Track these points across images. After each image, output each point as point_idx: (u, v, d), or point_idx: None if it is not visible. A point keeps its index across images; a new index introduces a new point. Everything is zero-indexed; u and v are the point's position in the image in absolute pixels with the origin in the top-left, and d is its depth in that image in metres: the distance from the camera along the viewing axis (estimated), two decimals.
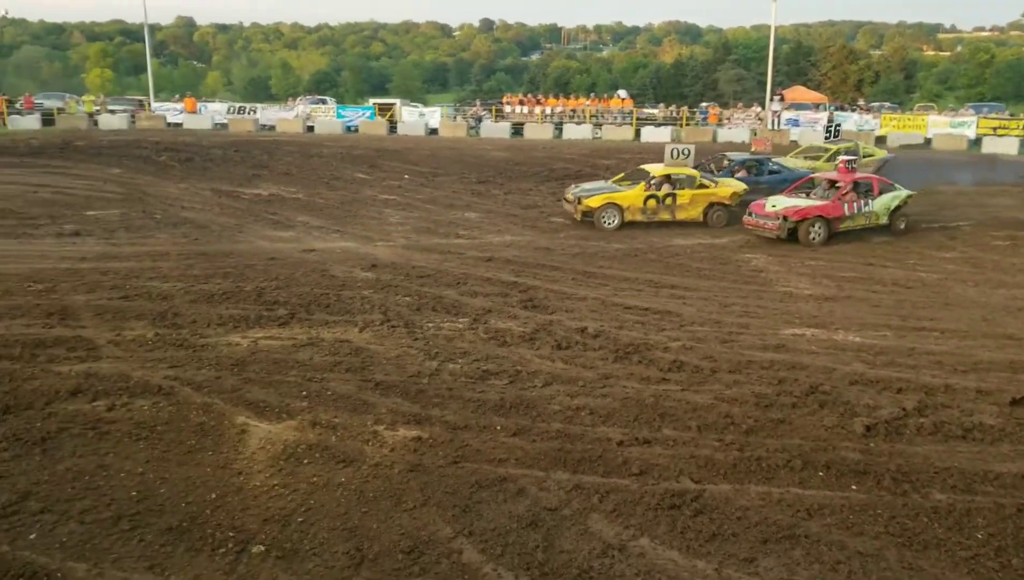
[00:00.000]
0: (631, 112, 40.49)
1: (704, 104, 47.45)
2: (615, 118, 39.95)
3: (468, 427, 7.84)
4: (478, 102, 47.20)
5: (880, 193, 16.87)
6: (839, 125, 22.75)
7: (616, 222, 17.55)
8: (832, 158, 22.27)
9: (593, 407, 8.33)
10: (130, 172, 24.62)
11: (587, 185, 19.38)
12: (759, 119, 38.89)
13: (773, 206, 16.43)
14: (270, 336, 10.37)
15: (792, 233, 16.03)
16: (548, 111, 40.64)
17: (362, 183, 23.99)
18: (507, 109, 41.97)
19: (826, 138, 23.00)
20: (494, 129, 38.50)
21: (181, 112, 40.40)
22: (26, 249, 14.94)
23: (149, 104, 43.33)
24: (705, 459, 7.26)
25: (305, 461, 7.21)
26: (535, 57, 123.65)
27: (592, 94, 46.89)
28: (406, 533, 6.14)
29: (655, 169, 18.67)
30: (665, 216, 17.89)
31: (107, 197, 20.56)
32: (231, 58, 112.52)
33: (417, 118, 40.24)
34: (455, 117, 42.08)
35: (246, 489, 6.78)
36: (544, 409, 8.27)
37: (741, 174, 20.19)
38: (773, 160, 21.45)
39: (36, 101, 41.72)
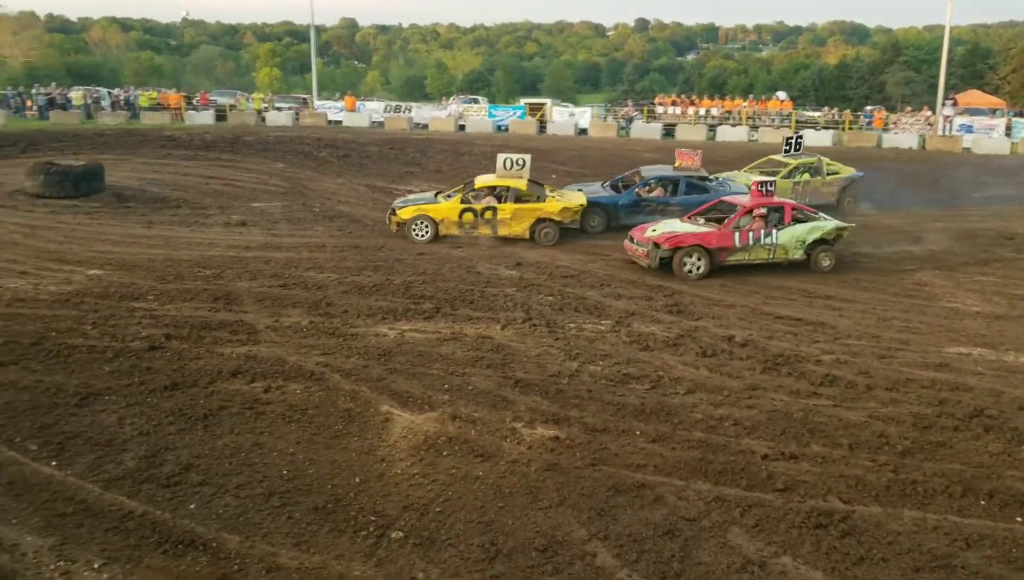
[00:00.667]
0: (790, 115, 39.07)
1: (869, 107, 45.14)
2: (773, 120, 38.67)
3: (607, 430, 7.77)
4: (630, 102, 46.84)
5: (794, 222, 14.13)
6: (800, 137, 19.21)
7: (428, 235, 16.02)
8: (791, 174, 19.50)
9: (738, 418, 8.08)
10: (293, 167, 25.91)
11: (412, 196, 18.06)
12: (929, 124, 36.64)
13: (653, 231, 14.15)
14: (415, 329, 10.64)
15: (665, 263, 13.77)
16: (702, 112, 39.81)
17: None
18: (659, 110, 41.42)
19: (785, 152, 19.41)
20: (645, 130, 38.08)
21: (341, 110, 42.14)
22: (197, 237, 15.99)
23: (312, 102, 45.47)
24: (856, 479, 6.90)
25: (444, 453, 7.34)
26: (691, 57, 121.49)
27: (749, 96, 45.49)
28: (541, 531, 6.14)
29: (482, 180, 16.96)
30: (486, 231, 16.16)
31: (271, 190, 21.73)
32: (389, 58, 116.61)
33: (567, 118, 40.33)
34: (605, 117, 41.90)
35: (388, 476, 6.98)
36: (686, 417, 8.09)
37: (656, 193, 17.56)
38: (710, 177, 18.46)
39: (211, 98, 44.58)
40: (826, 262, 14.23)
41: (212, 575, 5.62)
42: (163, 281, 12.55)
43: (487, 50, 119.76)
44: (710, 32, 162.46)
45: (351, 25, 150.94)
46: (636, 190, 17.64)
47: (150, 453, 7.28)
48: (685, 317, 11.40)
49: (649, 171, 18.74)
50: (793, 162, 20.02)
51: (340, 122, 40.80)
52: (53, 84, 44.62)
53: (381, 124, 40.48)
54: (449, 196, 16.66)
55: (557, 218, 16.33)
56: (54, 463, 7.08)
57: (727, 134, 36.87)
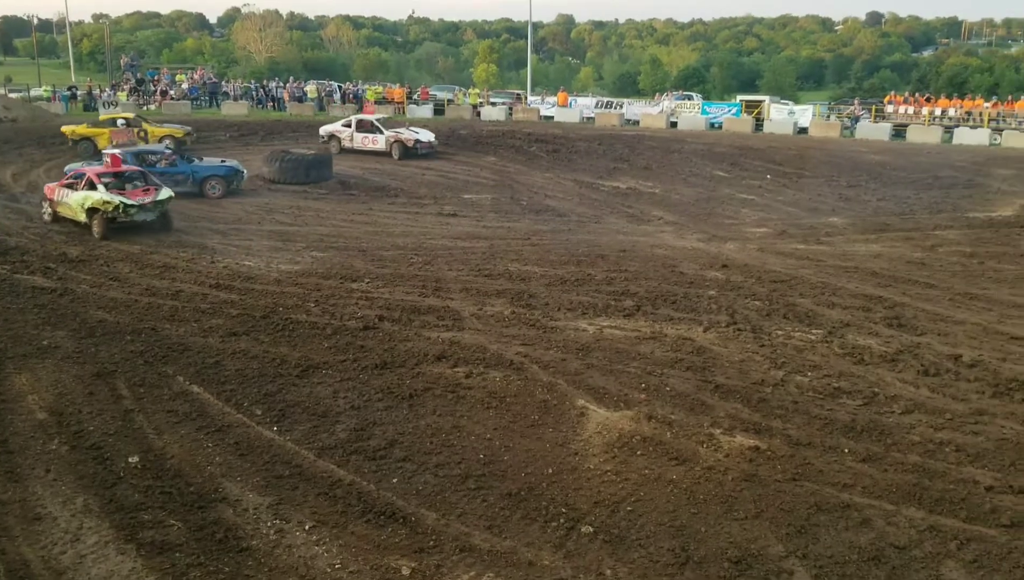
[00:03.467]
0: None
1: None
2: (1020, 123, 35.06)
3: (812, 445, 7.37)
4: (856, 101, 44.15)
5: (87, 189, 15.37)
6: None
7: None
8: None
9: (960, 444, 7.41)
10: (503, 160, 26.57)
11: None
12: None
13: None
14: (615, 326, 10.60)
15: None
16: (937, 112, 36.80)
17: (720, 181, 23.59)
18: (889, 109, 38.74)
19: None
20: (871, 130, 35.72)
21: (553, 105, 42.72)
22: (412, 225, 16.78)
23: (526, 97, 46.40)
24: None
25: (638, 452, 7.26)
26: (927, 53, 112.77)
27: (994, 96, 41.49)
28: (735, 542, 5.93)
29: None
30: None
31: (481, 182, 22.41)
32: (604, 54, 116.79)
33: (786, 116, 38.58)
34: (828, 116, 39.74)
35: (580, 470, 7.00)
36: (901, 438, 7.52)
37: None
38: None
39: (430, 93, 46.60)
40: (97, 230, 15.14)
41: (410, 548, 5.89)
42: (379, 265, 13.29)
43: (704, 45, 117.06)
44: (951, 27, 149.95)
45: (568, 21, 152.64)
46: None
47: (359, 426, 7.73)
48: (906, 331, 10.59)
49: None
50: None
51: (551, 117, 41.34)
52: (291, 78, 48.39)
53: (592, 120, 40.63)
54: None
55: None
56: (275, 428, 7.70)
57: (965, 137, 33.82)
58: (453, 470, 6.96)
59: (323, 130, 27.34)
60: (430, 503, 6.46)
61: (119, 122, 25.81)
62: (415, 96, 44.77)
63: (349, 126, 26.79)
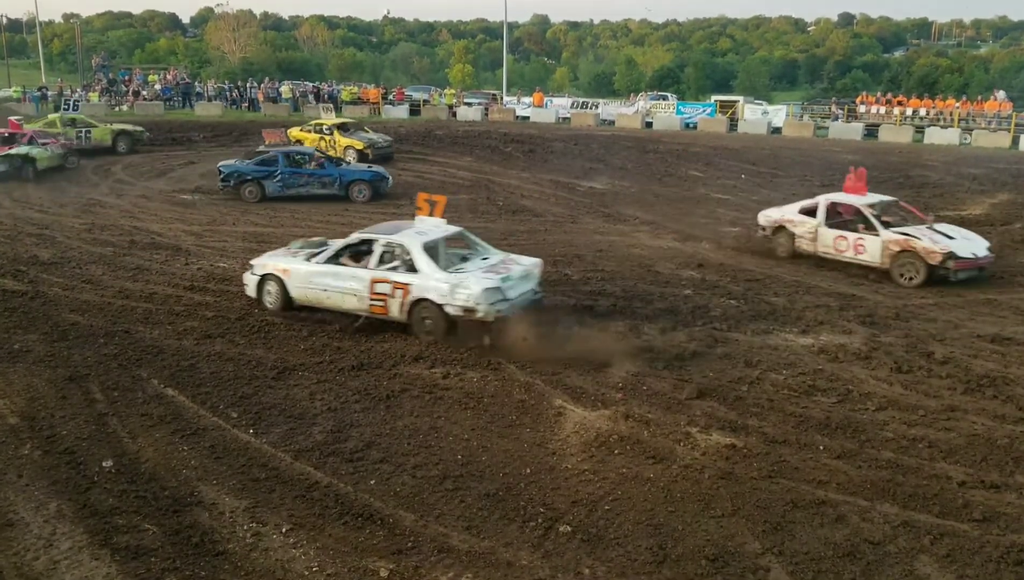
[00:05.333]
0: (1010, 116, 35.75)
1: None
2: (989, 123, 35.54)
3: (787, 442, 7.44)
4: (833, 101, 44.53)
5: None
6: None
7: None
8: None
9: (933, 440, 7.51)
10: (479, 161, 26.56)
11: None
12: None
13: None
14: (592, 325, 10.61)
15: None
16: (909, 113, 37.24)
17: (696, 181, 23.73)
18: (861, 109, 39.15)
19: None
20: (844, 130, 36.09)
21: (529, 106, 42.77)
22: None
23: (501, 98, 46.42)
24: None
25: (616, 451, 7.29)
26: (898, 54, 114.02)
27: (964, 96, 41.99)
28: (711, 540, 5.97)
29: None
30: None
31: (458, 182, 22.38)
32: (579, 54, 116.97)
33: (760, 116, 38.91)
34: (801, 116, 40.11)
35: (558, 469, 7.02)
36: (875, 435, 7.61)
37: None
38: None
39: (406, 93, 46.52)
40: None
41: (388, 549, 5.87)
42: None
43: (678, 46, 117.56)
44: (922, 27, 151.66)
45: (543, 22, 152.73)
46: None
47: (336, 428, 7.70)
48: (880, 329, 10.71)
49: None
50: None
51: (527, 117, 41.38)
52: (266, 78, 48.08)
53: (567, 120, 40.72)
54: None
55: None
56: (251, 431, 7.65)
57: (936, 136, 34.27)
58: (431, 471, 6.95)
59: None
60: (408, 504, 6.45)
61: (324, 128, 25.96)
62: (391, 96, 44.64)
63: None
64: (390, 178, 20.29)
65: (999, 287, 12.81)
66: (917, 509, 6.37)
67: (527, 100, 44.18)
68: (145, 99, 40.52)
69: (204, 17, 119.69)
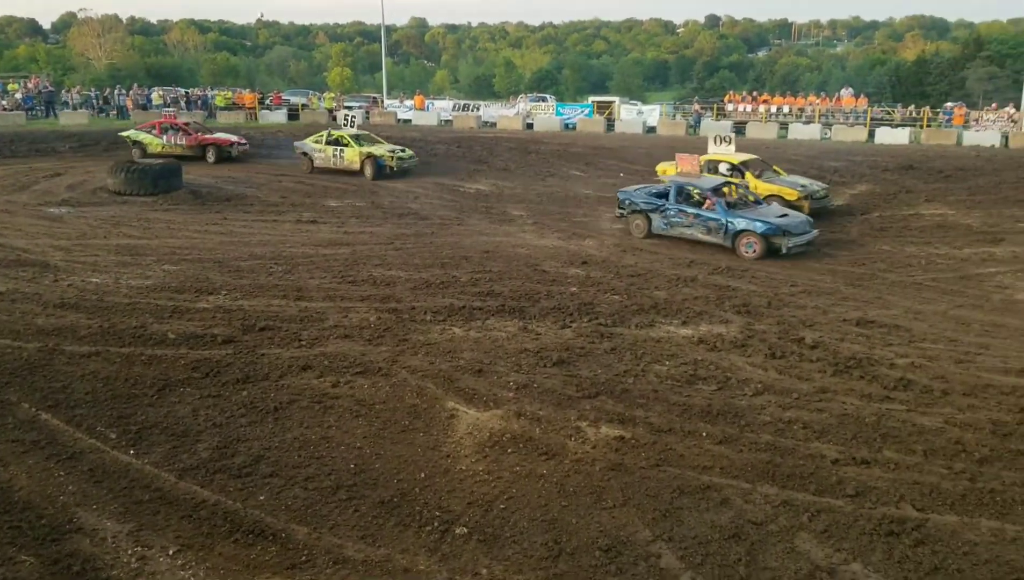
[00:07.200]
0: (865, 111, 38.01)
1: (949, 104, 43.54)
2: (847, 118, 37.67)
3: (672, 431, 7.69)
4: (696, 101, 46.17)
5: None
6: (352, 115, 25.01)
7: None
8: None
9: (807, 421, 7.92)
10: None
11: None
12: (1012, 121, 35.24)
13: None
14: (482, 327, 10.69)
15: None
16: (773, 110, 39.03)
17: (577, 180, 24.19)
18: (729, 108, 40.76)
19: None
20: (714, 128, 37.41)
21: (410, 109, 42.53)
22: (271, 235, 16.33)
23: (382, 101, 45.98)
24: (930, 487, 6.70)
25: (509, 450, 7.37)
26: (762, 54, 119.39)
27: (823, 92, 44.33)
28: (604, 531, 6.12)
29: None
30: None
31: (342, 188, 22.06)
32: (458, 57, 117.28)
33: (635, 116, 39.95)
34: (674, 115, 41.42)
35: (453, 472, 7.04)
36: (753, 419, 7.96)
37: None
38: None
39: (284, 97, 45.46)
40: None
41: (281, 565, 5.75)
42: (236, 276, 12.88)
43: (555, 48, 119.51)
44: (783, 28, 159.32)
45: (421, 25, 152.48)
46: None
47: (222, 444, 7.48)
48: (754, 318, 11.21)
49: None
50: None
51: (409, 120, 41.17)
52: (135, 84, 46.09)
53: (449, 122, 40.74)
54: None
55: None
56: (132, 452, 7.33)
57: (799, 132, 36.06)
58: (323, 482, 6.85)
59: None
60: (300, 517, 6.33)
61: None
62: (268, 101, 43.56)
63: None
64: (814, 231, 15.55)
65: (862, 273, 13.61)
66: (795, 488, 6.70)
67: (409, 103, 43.93)
68: (5, 109, 38.12)
69: (67, 22, 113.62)
